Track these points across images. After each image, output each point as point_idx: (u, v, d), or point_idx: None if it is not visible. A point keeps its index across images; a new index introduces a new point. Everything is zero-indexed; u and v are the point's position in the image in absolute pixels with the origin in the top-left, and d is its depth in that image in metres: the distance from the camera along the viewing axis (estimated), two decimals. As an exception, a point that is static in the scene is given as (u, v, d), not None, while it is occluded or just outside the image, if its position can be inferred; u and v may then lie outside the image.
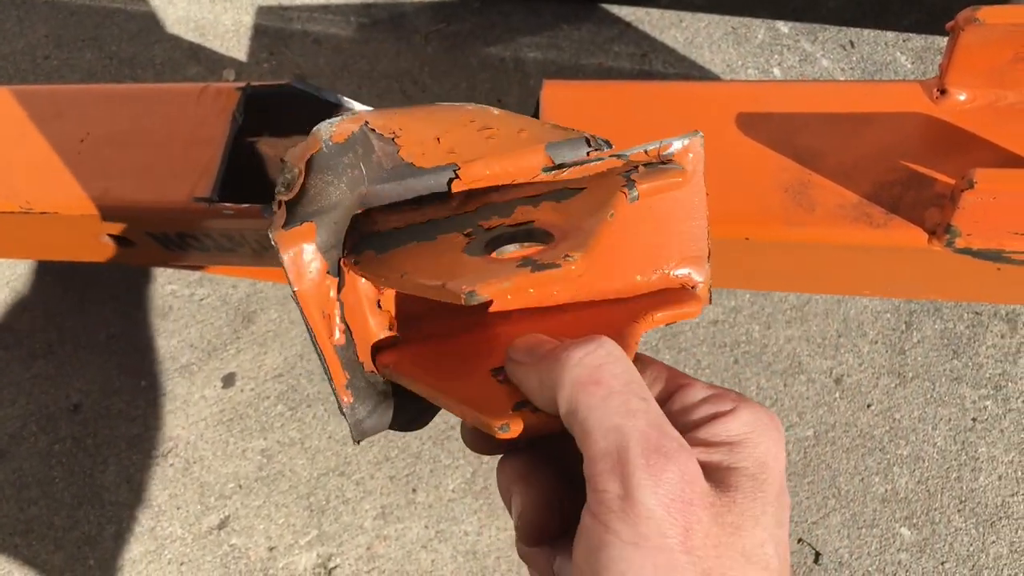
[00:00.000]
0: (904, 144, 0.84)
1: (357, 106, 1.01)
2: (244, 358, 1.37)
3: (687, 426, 0.37)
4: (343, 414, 0.45)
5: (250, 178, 1.05)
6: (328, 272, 0.43)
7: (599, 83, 1.01)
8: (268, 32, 1.61)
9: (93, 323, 1.41)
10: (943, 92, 0.85)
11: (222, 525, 1.29)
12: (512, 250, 0.42)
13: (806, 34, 1.52)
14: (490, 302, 0.45)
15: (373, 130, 0.46)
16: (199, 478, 1.31)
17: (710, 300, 0.46)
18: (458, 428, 1.22)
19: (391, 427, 0.48)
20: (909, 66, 1.48)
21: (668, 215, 0.44)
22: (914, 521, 1.22)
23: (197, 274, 1.42)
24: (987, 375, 1.28)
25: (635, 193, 0.42)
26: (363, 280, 0.44)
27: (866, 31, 1.51)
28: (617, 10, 1.55)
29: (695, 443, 0.36)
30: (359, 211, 0.45)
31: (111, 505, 1.31)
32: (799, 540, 1.22)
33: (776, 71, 1.50)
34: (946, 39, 0.82)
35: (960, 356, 1.30)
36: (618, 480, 0.33)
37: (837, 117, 0.87)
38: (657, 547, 0.32)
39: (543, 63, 1.53)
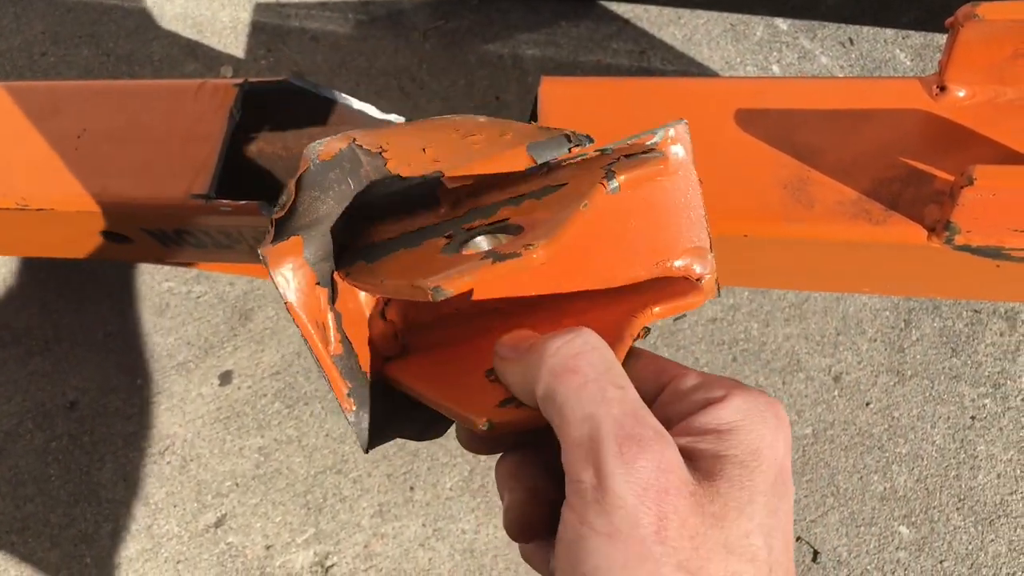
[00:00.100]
0: (903, 141, 0.84)
1: (355, 103, 1.01)
2: (241, 355, 1.37)
3: (679, 415, 0.36)
4: (349, 423, 0.46)
5: (247, 175, 1.05)
6: (319, 283, 0.44)
7: (597, 80, 1.01)
8: (266, 29, 1.60)
9: (90, 320, 1.41)
10: (942, 89, 0.85)
11: (219, 523, 1.28)
12: (483, 245, 0.43)
13: (805, 31, 1.52)
14: (493, 303, 0.45)
15: (360, 146, 0.47)
16: (196, 476, 1.31)
17: (718, 293, 0.46)
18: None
19: (404, 436, 0.48)
20: (908, 63, 1.48)
21: (664, 207, 0.44)
22: (913, 519, 1.22)
23: (194, 271, 1.42)
24: (986, 373, 1.28)
25: (615, 184, 0.42)
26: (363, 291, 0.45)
27: (865, 28, 1.51)
28: (615, 7, 1.55)
29: (685, 432, 0.35)
30: (345, 220, 0.46)
31: (108, 503, 1.30)
32: (797, 538, 1.22)
33: (775, 68, 1.50)
34: (945, 36, 0.82)
35: (959, 354, 1.30)
36: (591, 469, 0.33)
37: (836, 114, 0.86)
38: (629, 538, 0.31)
39: (541, 60, 1.53)
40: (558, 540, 0.34)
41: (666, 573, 0.31)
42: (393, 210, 0.47)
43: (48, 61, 1.60)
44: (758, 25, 1.53)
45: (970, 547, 1.20)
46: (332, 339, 0.44)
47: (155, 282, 1.42)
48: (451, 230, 0.46)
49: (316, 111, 1.02)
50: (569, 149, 0.46)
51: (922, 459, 1.25)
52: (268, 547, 1.27)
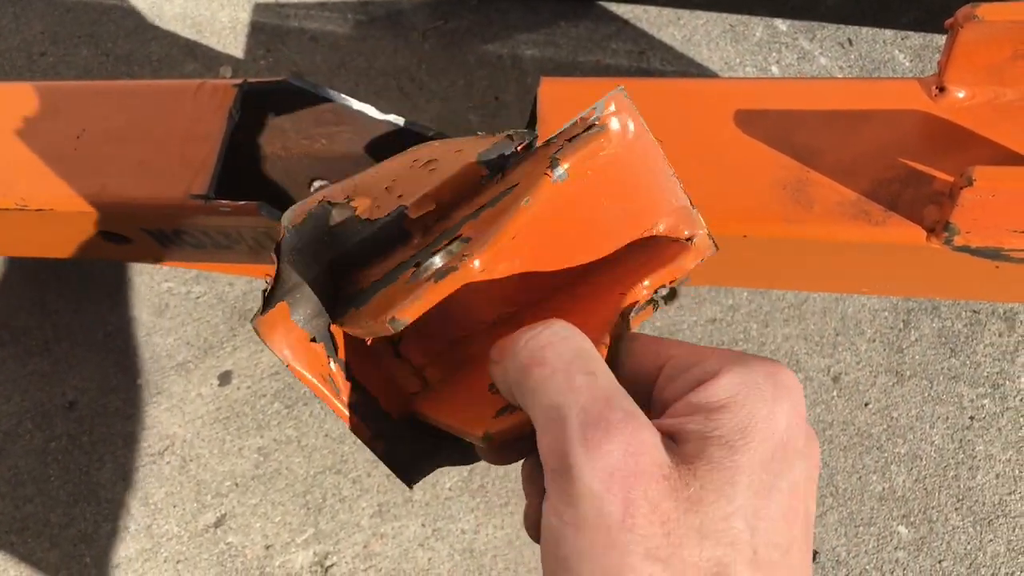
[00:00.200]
0: (903, 142, 0.84)
1: (354, 103, 1.01)
2: (240, 356, 1.37)
3: (676, 395, 0.35)
4: (386, 463, 0.48)
5: (247, 175, 1.05)
6: (314, 340, 0.46)
7: (597, 80, 1.01)
8: (265, 29, 1.60)
9: (89, 320, 1.41)
10: (942, 90, 0.85)
11: (218, 523, 1.28)
12: (437, 264, 0.43)
13: (804, 32, 1.52)
14: (492, 315, 0.46)
15: (329, 202, 0.48)
16: (195, 476, 1.31)
17: (716, 247, 0.44)
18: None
19: (450, 464, 0.49)
20: (908, 64, 1.48)
21: (628, 178, 0.43)
22: (911, 519, 1.22)
23: (193, 271, 1.42)
24: (985, 373, 1.28)
25: (560, 171, 0.41)
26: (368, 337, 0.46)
27: (864, 29, 1.51)
28: (615, 7, 1.55)
29: (676, 413, 0.34)
30: (330, 274, 0.47)
31: (107, 503, 1.30)
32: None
33: (774, 69, 1.50)
34: (945, 37, 0.82)
35: (958, 354, 1.30)
36: (558, 458, 0.32)
37: (835, 115, 0.87)
38: (595, 527, 0.30)
39: (541, 60, 1.53)
40: (540, 533, 0.33)
41: (634, 562, 0.30)
42: (373, 252, 0.48)
43: (47, 61, 1.60)
44: (757, 26, 1.53)
45: (969, 547, 1.20)
46: (341, 388, 0.46)
47: (154, 282, 1.42)
48: (421, 258, 0.46)
49: (315, 111, 1.02)
50: (516, 148, 0.45)
51: (921, 459, 1.25)
52: (268, 547, 1.27)
